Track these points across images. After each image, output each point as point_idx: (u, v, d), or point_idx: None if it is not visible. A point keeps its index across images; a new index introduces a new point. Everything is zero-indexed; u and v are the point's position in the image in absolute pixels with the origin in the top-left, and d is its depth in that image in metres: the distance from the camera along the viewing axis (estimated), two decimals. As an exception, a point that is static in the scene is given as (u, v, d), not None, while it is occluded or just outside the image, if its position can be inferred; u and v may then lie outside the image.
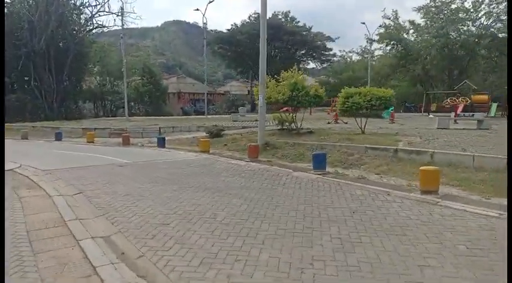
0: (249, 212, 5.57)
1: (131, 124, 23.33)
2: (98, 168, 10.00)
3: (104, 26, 38.28)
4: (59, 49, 33.39)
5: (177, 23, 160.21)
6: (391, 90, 14.40)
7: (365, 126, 14.04)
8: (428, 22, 41.87)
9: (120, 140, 17.27)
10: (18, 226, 5.06)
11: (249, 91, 61.59)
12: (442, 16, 39.97)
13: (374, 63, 50.09)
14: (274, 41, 48.21)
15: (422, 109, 33.73)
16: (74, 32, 35.82)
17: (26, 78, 34.37)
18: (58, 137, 18.24)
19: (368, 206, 5.74)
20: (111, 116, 40.50)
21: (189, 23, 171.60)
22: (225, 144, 14.42)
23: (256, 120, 24.23)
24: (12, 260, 3.92)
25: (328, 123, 20.19)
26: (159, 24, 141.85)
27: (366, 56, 63.65)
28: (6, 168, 9.83)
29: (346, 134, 13.74)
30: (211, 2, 33.75)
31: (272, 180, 8.13)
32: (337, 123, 19.99)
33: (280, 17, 59.16)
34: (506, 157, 6.83)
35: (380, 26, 45.57)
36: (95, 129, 20.21)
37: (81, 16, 37.21)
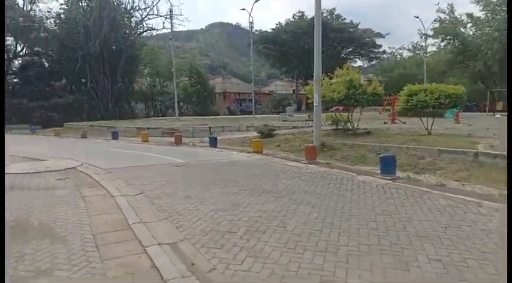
0: (321, 222, 5.04)
1: (181, 123, 23.67)
2: (155, 168, 9.98)
3: (154, 29, 39.57)
4: (112, 52, 34.92)
5: (221, 25, 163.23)
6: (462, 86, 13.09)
7: (431, 126, 12.90)
8: (489, 14, 38.51)
9: (172, 139, 17.48)
10: (84, 228, 4.94)
11: (294, 90, 60.80)
12: (505, 7, 36.51)
13: (427, 59, 47.13)
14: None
15: (487, 108, 31.00)
16: (126, 35, 37.34)
17: (82, 80, 36.37)
18: (114, 135, 18.87)
19: (461, 220, 4.97)
20: (161, 116, 41.76)
21: (232, 24, 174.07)
22: (278, 145, 13.96)
23: (307, 120, 23.64)
24: (81, 266, 3.74)
25: (385, 123, 19.03)
26: (204, 27, 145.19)
27: (417, 52, 60.25)
28: (69, 165, 10.15)
29: (410, 134, 12.71)
30: (257, 1, 33.52)
31: (336, 184, 7.53)
32: (395, 123, 18.77)
33: (325, 14, 57.63)
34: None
35: (435, 21, 42.71)
36: (148, 128, 20.69)
37: (132, 19, 38.78)
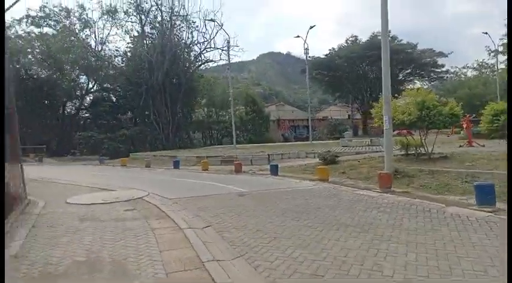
0: (425, 265, 4.23)
1: (239, 151, 23.68)
2: (219, 198, 9.69)
3: (211, 61, 41.15)
4: (172, 85, 36.78)
5: (271, 54, 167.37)
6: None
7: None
8: None
9: (231, 167, 17.37)
10: (156, 265, 4.61)
11: (349, 115, 59.17)
12: None
13: (495, 78, 43.33)
14: (377, 61, 45.70)
15: None
16: (185, 68, 39.26)
17: (146, 113, 38.54)
18: (176, 165, 19.25)
19: None
20: (218, 144, 42.61)
21: (282, 53, 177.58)
22: (343, 172, 13.12)
23: (368, 145, 22.42)
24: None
25: (460, 146, 17.26)
26: (255, 57, 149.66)
27: (483, 70, 55.99)
28: (137, 195, 10.24)
29: (498, 159, 11.21)
30: (312, 27, 33.56)
31: (425, 217, 6.58)
32: (472, 146, 16.95)
33: (379, 37, 56.25)
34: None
35: (504, 35, 39.55)
36: (207, 157, 20.88)
37: (191, 53, 40.73)
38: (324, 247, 5.04)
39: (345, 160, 15.53)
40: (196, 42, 39.63)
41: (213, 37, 39.01)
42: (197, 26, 39.27)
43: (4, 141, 2.53)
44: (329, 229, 5.98)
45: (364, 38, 54.25)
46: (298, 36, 34.23)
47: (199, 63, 41.35)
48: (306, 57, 35.71)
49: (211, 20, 34.70)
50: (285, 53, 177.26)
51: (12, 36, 34.64)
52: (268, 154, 20.03)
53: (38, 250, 5.40)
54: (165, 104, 36.04)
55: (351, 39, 53.70)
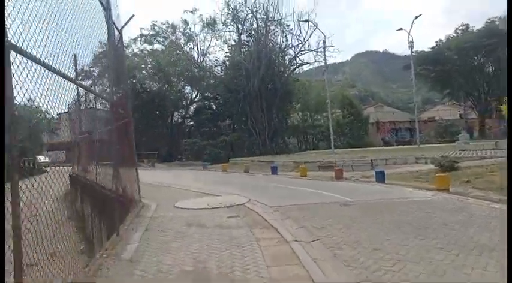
0: None
1: (337, 157, 22.56)
2: (322, 207, 9.03)
3: (306, 63, 40.60)
4: (268, 90, 37.28)
5: (366, 54, 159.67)
6: None
7: None
8: None
9: (330, 173, 16.52)
10: (265, 284, 4.21)
11: (461, 115, 52.43)
12: None
13: None
14: (495, 51, 39.47)
15: None
16: (280, 72, 39.46)
17: (243, 119, 39.81)
18: (274, 170, 19.14)
19: None
20: (313, 149, 41.74)
21: (379, 51, 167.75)
22: (467, 181, 11.22)
23: (494, 149, 19.16)
24: None
25: None
26: (348, 58, 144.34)
27: None
28: (238, 202, 10.21)
29: None
30: (417, 17, 30.56)
31: None
32: None
33: (497, 23, 48.49)
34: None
35: None
36: (305, 162, 20.33)
37: (286, 57, 40.77)
38: (468, 278, 4.02)
39: (467, 167, 13.39)
40: (290, 45, 39.59)
41: (308, 39, 38.47)
42: (291, 29, 39.25)
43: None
44: (468, 254, 4.86)
45: (477, 25, 47.61)
46: (401, 29, 31.53)
47: (294, 66, 41.17)
48: (411, 50, 32.64)
49: (306, 20, 34.14)
50: (381, 51, 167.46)
51: (130, 55, 39.42)
52: (371, 160, 18.55)
53: (150, 255, 5.51)
54: (261, 110, 36.70)
55: (461, 28, 47.61)
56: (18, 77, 3.13)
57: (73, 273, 4.37)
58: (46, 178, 3.92)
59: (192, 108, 44.97)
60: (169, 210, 9.57)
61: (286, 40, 39.49)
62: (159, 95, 40.56)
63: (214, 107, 43.16)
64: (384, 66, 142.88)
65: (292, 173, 19.16)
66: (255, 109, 36.71)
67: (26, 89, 3.27)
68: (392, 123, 51.39)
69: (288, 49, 39.93)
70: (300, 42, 39.00)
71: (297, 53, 39.78)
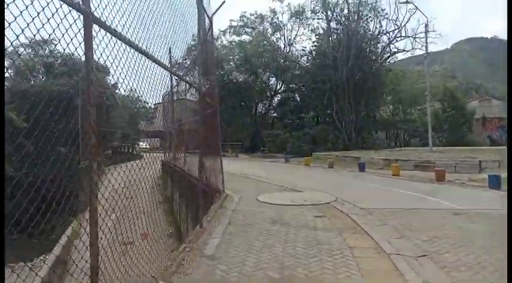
0: None
1: (436, 155, 20.06)
2: (425, 214, 7.78)
3: (402, 50, 37.23)
4: (356, 81, 35.12)
5: (470, 40, 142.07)
6: None
7: None
8: None
9: (428, 174, 14.72)
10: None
11: None
12: None
13: None
14: None
15: None
16: (371, 61, 36.85)
17: (328, 112, 38.29)
18: (361, 167, 17.78)
19: None
20: (404, 146, 38.33)
21: (485, 38, 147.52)
22: None
23: None
24: None
25: None
26: (449, 46, 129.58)
27: None
28: (324, 200, 9.45)
29: None
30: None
31: None
32: None
33: None
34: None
35: None
36: (397, 160, 18.47)
37: (378, 45, 37.87)
38: None
39: None
40: (384, 31, 36.58)
41: (405, 23, 35.08)
42: (386, 14, 36.20)
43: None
44: None
45: None
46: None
47: (387, 55, 38.05)
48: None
49: (406, 1, 30.85)
50: (489, 37, 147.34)
51: (219, 47, 40.64)
52: (479, 161, 15.99)
53: (232, 253, 5.14)
54: (348, 102, 34.76)
55: None
56: (123, 68, 3.26)
57: (161, 255, 4.60)
58: (142, 164, 4.10)
59: (275, 99, 44.81)
60: (252, 204, 9.25)
61: (380, 26, 36.58)
62: (245, 86, 41.14)
63: (298, 99, 42.32)
64: (492, 54, 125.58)
65: (382, 171, 17.55)
66: (342, 101, 34.92)
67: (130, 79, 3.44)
68: (501, 119, 44.63)
69: (381, 36, 37.02)
70: (396, 27, 35.82)
71: (392, 40, 36.66)
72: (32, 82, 23.69)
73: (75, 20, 2.41)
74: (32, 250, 8.22)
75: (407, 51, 37.28)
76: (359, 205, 8.66)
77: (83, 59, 2.50)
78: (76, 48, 2.50)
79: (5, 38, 1.89)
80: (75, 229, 7.01)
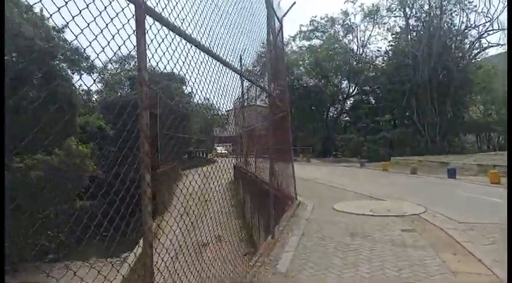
0: None
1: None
2: (546, 233, 6.32)
3: (494, 45, 33.13)
4: (440, 80, 32.07)
5: None
6: None
7: None
8: None
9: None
10: None
11: None
12: None
13: None
14: None
15: None
16: (458, 59, 33.38)
17: (406, 114, 35.56)
18: (450, 173, 15.79)
19: None
20: (498, 150, 33.81)
21: None
22: None
23: None
24: None
25: None
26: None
27: None
28: (411, 211, 8.35)
29: None
30: None
31: None
32: None
33: None
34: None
35: None
36: (495, 166, 16.04)
37: (465, 41, 34.18)
38: None
39: None
40: (473, 25, 32.89)
41: (498, 15, 31.15)
42: (475, 6, 32.54)
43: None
44: None
45: None
46: None
47: (477, 51, 34.13)
48: None
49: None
50: None
51: (289, 52, 40.26)
52: None
53: (308, 271, 4.55)
54: (431, 103, 31.78)
55: None
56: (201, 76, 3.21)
57: (234, 258, 4.57)
58: (216, 168, 4.10)
59: (348, 102, 43.00)
60: (328, 213, 8.54)
61: (468, 19, 33.00)
62: (315, 90, 40.25)
63: (373, 101, 40.03)
64: None
65: (476, 178, 15.37)
66: (424, 102, 32.08)
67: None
68: None
69: (469, 30, 33.35)
70: (488, 19, 31.97)
71: (482, 34, 32.78)
72: (119, 94, 25.84)
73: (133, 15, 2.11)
74: (118, 249, 8.67)
75: (502, 45, 33.00)
76: (456, 219, 7.42)
77: (135, 55, 2.17)
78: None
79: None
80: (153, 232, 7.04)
